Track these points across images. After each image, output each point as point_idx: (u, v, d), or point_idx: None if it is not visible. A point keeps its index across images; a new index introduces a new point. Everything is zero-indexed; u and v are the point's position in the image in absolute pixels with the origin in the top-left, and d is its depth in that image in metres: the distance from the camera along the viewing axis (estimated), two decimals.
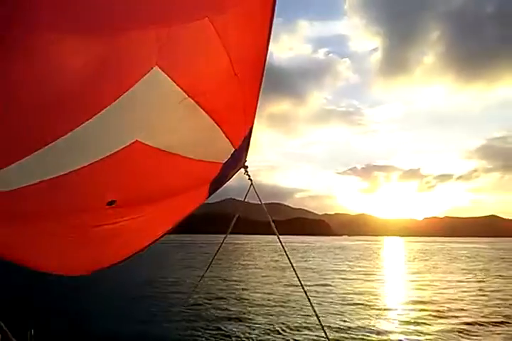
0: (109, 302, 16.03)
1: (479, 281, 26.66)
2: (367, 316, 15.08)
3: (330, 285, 23.48)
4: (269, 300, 18.10)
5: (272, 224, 3.52)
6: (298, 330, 12.80)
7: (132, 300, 17.06)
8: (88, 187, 2.77)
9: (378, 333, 12.67)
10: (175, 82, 2.40)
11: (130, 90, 2.28)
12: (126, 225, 3.32)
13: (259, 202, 3.46)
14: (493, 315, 15.38)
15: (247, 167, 3.42)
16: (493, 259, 49.67)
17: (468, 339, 12.36)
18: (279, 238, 3.52)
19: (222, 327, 12.94)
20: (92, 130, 2.33)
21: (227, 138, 3.07)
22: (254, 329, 12.74)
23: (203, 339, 11.62)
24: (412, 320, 14.47)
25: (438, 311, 16.18)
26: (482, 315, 15.31)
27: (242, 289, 21.32)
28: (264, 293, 20.03)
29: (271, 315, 14.91)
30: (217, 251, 4.27)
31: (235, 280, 24.42)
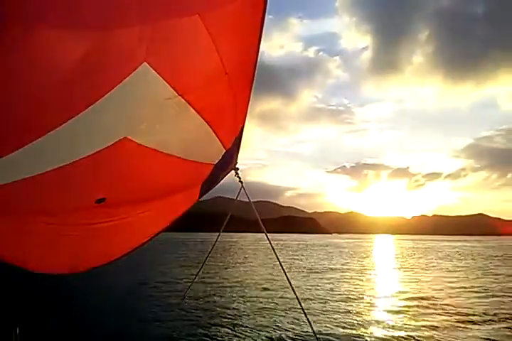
0: (99, 302, 15.90)
1: (478, 278, 26.75)
2: (363, 315, 15.12)
3: (330, 284, 23.53)
4: (264, 298, 18.10)
5: (261, 222, 3.52)
6: (285, 327, 12.83)
7: (123, 299, 16.95)
8: (76, 184, 2.73)
9: (371, 331, 12.74)
10: (164, 79, 2.38)
11: (118, 86, 2.26)
12: (116, 225, 3.29)
13: (249, 203, 3.45)
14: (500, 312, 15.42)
15: (237, 169, 3.38)
16: (487, 257, 50.02)
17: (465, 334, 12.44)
18: (267, 236, 3.53)
19: (215, 327, 12.93)
20: (79, 126, 2.30)
21: (218, 138, 3.05)
22: (243, 326, 12.76)
23: (196, 339, 11.59)
24: (410, 319, 14.50)
25: (443, 309, 16.22)
26: (492, 313, 15.41)
27: (238, 287, 21.30)
28: (260, 291, 20.01)
29: (263, 313, 14.94)
30: (211, 250, 4.27)
31: (230, 279, 24.37)
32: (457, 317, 14.90)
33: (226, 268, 29.89)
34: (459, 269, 33.04)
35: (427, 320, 14.22)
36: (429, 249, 71.43)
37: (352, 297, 18.83)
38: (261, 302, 16.95)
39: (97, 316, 13.50)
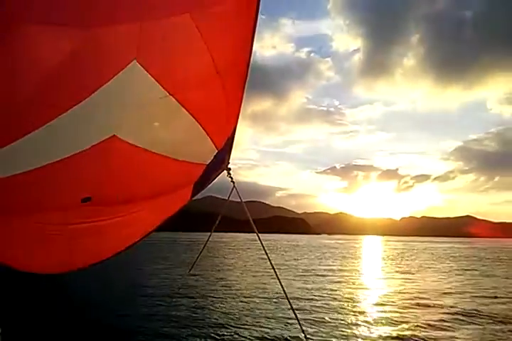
0: (87, 301, 15.76)
1: (478, 280, 26.80)
2: (358, 314, 15.17)
3: (321, 284, 23.55)
4: (255, 297, 18.08)
5: (252, 223, 3.51)
6: (274, 325, 12.84)
7: (111, 300, 16.81)
8: (61, 182, 2.70)
9: (361, 331, 12.78)
10: (153, 78, 2.37)
11: (107, 84, 2.25)
12: (107, 224, 3.25)
13: (241, 203, 3.44)
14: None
15: (229, 169, 3.36)
16: (480, 259, 50.30)
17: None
18: (258, 236, 3.52)
19: (205, 326, 12.90)
20: (66, 124, 2.28)
21: (210, 138, 3.03)
22: (232, 326, 12.74)
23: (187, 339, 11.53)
24: (401, 318, 14.52)
25: (436, 308, 16.29)
26: (497, 317, 15.46)
27: (229, 288, 21.25)
28: (254, 290, 19.97)
29: (252, 313, 14.93)
30: (202, 250, 4.25)
31: (222, 279, 24.29)
32: (450, 316, 15.06)
33: (218, 270, 29.84)
34: (454, 271, 32.96)
35: (421, 319, 14.33)
36: (426, 251, 71.62)
37: (344, 298, 18.88)
38: (251, 303, 16.94)
39: (86, 315, 13.37)
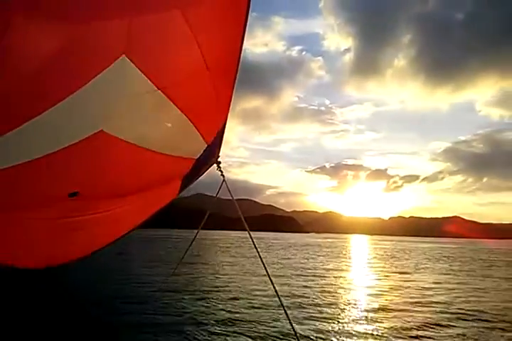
0: (71, 298, 15.68)
1: (479, 281, 26.91)
2: (345, 313, 15.25)
3: (308, 281, 23.67)
4: (255, 295, 18.12)
5: (244, 220, 3.51)
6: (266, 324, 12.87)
7: (96, 297, 16.73)
8: (48, 177, 2.68)
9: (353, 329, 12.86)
10: (142, 72, 2.36)
11: (96, 78, 2.24)
12: (91, 219, 3.24)
13: (231, 198, 3.44)
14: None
15: (219, 163, 3.36)
16: (474, 260, 50.61)
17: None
18: (250, 234, 3.52)
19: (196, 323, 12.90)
20: (54, 118, 2.27)
21: (200, 133, 3.03)
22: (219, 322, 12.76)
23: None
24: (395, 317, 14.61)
25: (454, 313, 16.40)
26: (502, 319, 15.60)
27: (220, 285, 21.27)
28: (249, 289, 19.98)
29: (243, 309, 14.96)
30: (189, 246, 4.26)
31: (214, 278, 24.30)
32: (444, 315, 15.26)
33: (208, 267, 29.83)
34: (459, 272, 33.06)
35: (417, 318, 14.49)
36: (418, 251, 72.10)
37: (335, 295, 19.02)
38: (241, 299, 16.99)
39: (68, 314, 13.28)
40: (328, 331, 12.44)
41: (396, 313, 15.31)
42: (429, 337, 12.14)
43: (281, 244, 77.93)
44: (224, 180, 3.36)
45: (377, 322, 13.85)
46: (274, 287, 3.61)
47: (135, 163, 2.93)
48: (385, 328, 13.03)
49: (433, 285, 23.94)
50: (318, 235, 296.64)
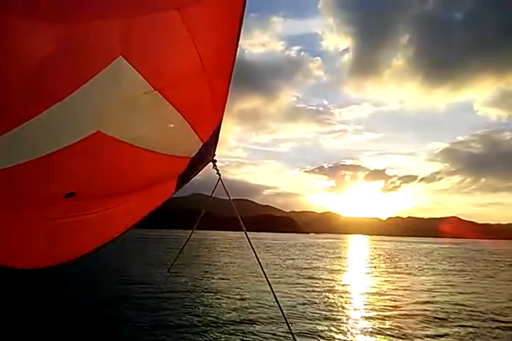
0: (66, 299, 15.65)
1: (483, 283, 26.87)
2: (344, 316, 15.26)
3: (308, 279, 23.69)
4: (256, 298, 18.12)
5: (241, 220, 3.51)
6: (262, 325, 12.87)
7: (96, 297, 16.73)
8: (44, 178, 2.68)
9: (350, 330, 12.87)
10: (139, 73, 2.37)
11: (92, 79, 2.24)
12: (88, 219, 3.24)
13: (228, 198, 3.45)
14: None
15: (215, 161, 3.38)
16: (477, 260, 50.61)
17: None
18: (246, 235, 3.53)
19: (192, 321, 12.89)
20: (51, 119, 2.27)
21: (195, 132, 3.04)
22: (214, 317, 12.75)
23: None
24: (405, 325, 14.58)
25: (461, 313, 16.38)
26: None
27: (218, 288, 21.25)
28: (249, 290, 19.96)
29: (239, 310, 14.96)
30: (184, 246, 4.26)
31: (213, 279, 24.29)
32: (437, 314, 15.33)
33: (206, 268, 29.82)
34: (467, 273, 33.02)
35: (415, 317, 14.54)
36: (420, 251, 72.02)
37: (334, 296, 19.04)
38: (239, 299, 17.00)
39: (62, 314, 13.25)
40: (323, 331, 12.46)
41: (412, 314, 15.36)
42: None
43: (281, 245, 78.00)
44: (220, 179, 3.37)
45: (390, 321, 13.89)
46: (270, 287, 3.61)
47: (131, 162, 2.94)
48: (396, 327, 13.10)
49: (446, 286, 23.98)
50: (317, 235, 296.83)
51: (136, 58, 2.31)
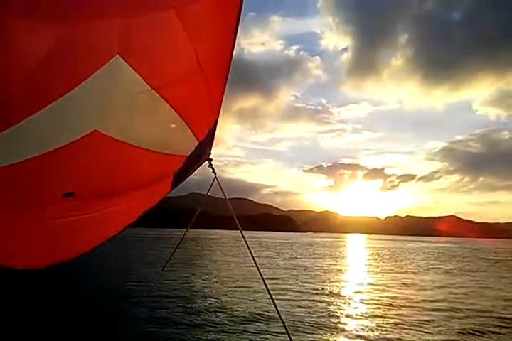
0: (71, 298, 15.65)
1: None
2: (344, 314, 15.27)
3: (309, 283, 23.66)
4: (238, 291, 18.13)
5: (236, 219, 3.52)
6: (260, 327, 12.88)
7: (96, 297, 16.71)
8: (42, 177, 2.68)
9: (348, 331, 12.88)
10: (136, 72, 2.38)
11: (89, 78, 2.25)
12: (85, 218, 3.24)
13: (223, 196, 3.46)
14: None
15: (211, 160, 3.39)
16: (478, 259, 50.64)
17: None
18: (242, 234, 3.53)
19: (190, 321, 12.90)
20: (48, 118, 2.27)
21: (191, 131, 3.05)
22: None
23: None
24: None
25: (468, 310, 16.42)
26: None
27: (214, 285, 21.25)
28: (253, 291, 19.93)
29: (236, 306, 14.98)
30: (178, 244, 4.28)
31: (212, 276, 24.28)
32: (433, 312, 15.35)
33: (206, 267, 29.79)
34: (473, 273, 33.00)
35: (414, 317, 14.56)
36: (422, 251, 71.91)
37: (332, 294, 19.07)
38: (235, 297, 17.00)
39: (57, 314, 13.23)
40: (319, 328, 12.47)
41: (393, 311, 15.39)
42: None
43: (281, 244, 77.89)
44: (216, 177, 3.38)
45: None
46: (266, 286, 3.61)
47: (128, 161, 2.94)
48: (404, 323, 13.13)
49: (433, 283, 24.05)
50: (315, 234, 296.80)
51: (133, 57, 2.32)
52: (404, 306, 16.63)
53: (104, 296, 16.46)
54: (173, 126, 2.88)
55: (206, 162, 3.40)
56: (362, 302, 17.80)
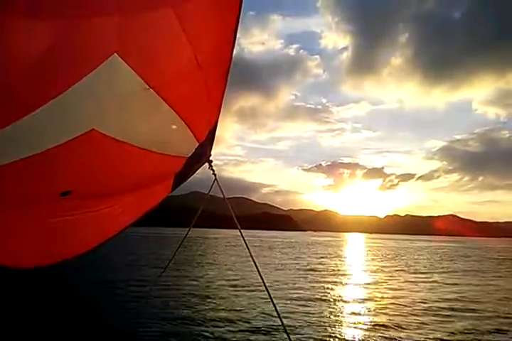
0: (70, 298, 15.64)
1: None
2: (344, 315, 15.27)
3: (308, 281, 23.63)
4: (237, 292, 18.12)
5: (235, 218, 3.51)
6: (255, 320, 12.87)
7: (96, 296, 16.71)
8: (40, 176, 2.66)
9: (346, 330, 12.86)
10: (134, 71, 2.35)
11: (87, 77, 2.23)
12: (85, 217, 3.23)
13: (223, 197, 3.44)
14: None
15: (211, 161, 3.37)
16: (484, 259, 50.38)
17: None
18: (241, 233, 3.51)
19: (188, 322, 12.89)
20: (46, 116, 2.25)
21: (191, 131, 3.02)
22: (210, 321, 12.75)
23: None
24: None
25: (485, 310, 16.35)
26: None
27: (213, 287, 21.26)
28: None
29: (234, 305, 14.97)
30: (180, 244, 4.27)
31: (212, 277, 24.26)
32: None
33: (208, 267, 29.79)
34: (481, 272, 32.72)
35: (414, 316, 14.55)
36: (425, 250, 71.82)
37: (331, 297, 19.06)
38: (234, 296, 17.00)
39: (56, 315, 13.22)
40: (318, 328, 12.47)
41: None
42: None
43: (283, 243, 77.71)
44: (216, 179, 3.36)
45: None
46: (265, 286, 3.60)
47: (127, 161, 2.92)
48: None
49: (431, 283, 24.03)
50: (315, 233, 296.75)
51: (131, 56, 2.30)
52: (419, 309, 16.55)
53: (104, 296, 16.44)
54: (174, 127, 2.86)
55: (206, 163, 3.37)
56: (366, 300, 17.77)
